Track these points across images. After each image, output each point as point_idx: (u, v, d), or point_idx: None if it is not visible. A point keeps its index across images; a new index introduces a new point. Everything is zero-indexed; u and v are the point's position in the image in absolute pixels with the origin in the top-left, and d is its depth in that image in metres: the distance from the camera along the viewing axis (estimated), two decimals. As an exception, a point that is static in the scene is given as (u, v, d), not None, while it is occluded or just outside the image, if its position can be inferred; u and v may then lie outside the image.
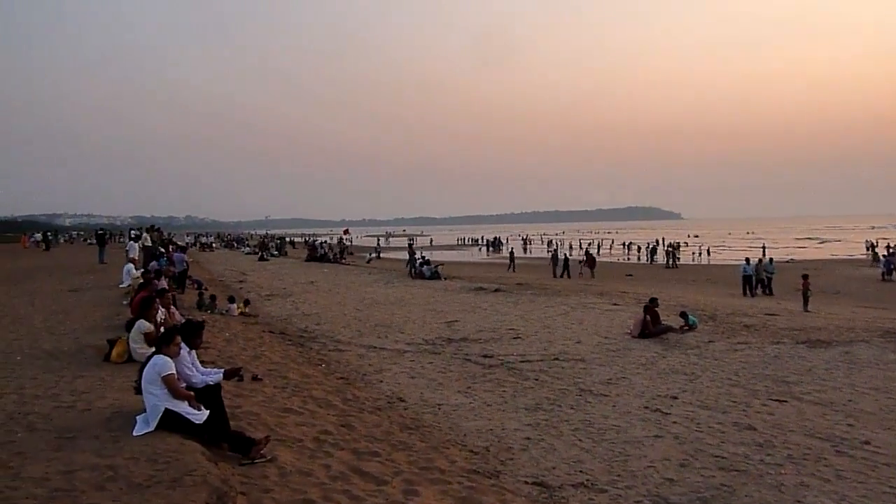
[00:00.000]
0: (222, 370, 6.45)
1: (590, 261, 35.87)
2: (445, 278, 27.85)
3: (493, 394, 9.38)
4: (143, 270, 17.52)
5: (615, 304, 18.30)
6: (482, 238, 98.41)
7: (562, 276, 34.25)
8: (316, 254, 44.83)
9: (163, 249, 25.38)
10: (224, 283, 25.40)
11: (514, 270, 37.58)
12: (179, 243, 47.64)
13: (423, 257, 32.80)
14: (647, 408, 8.58)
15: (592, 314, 16.64)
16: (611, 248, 71.86)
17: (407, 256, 33.79)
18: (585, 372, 10.61)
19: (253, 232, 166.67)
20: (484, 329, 14.75)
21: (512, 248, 53.21)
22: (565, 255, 40.32)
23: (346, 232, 78.19)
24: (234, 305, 16.37)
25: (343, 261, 42.72)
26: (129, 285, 16.85)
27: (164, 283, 13.73)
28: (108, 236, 45.68)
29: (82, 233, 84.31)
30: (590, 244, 71.43)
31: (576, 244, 77.29)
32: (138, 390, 5.97)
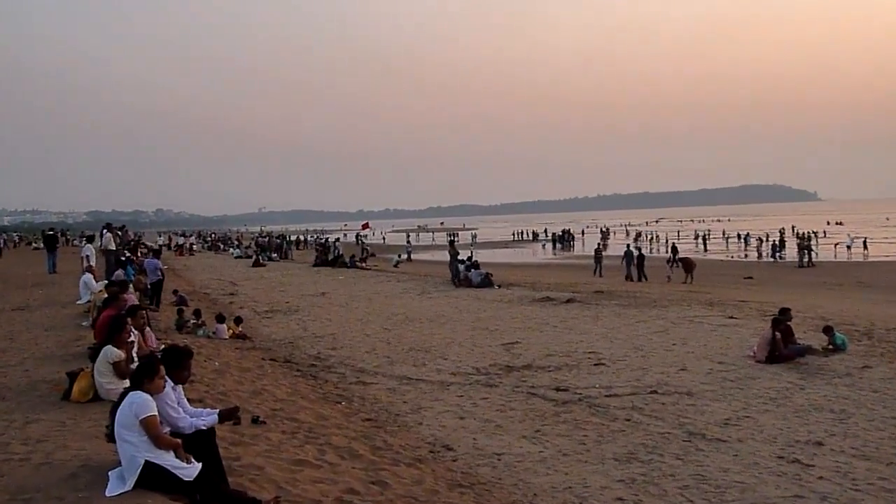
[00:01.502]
0: (216, 411, 6.56)
1: (685, 263, 35.40)
2: (500, 286, 27.85)
3: (569, 439, 9.34)
4: (106, 282, 17.94)
5: (731, 318, 18.05)
6: (546, 231, 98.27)
7: (638, 279, 34.76)
8: (327, 256, 45.47)
9: (129, 254, 26.06)
10: (209, 297, 25.91)
11: (600, 275, 37.55)
12: (150, 245, 48.83)
13: (469, 258, 32.86)
14: (780, 457, 8.44)
15: (701, 331, 16.44)
16: (726, 241, 70.88)
17: (447, 257, 33.88)
18: (694, 409, 10.48)
19: (243, 229, 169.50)
20: (554, 353, 14.71)
21: (599, 245, 51.15)
22: (639, 249, 40.08)
23: (364, 226, 78.95)
24: (224, 326, 16.67)
25: (363, 264, 43.13)
26: (89, 301, 17.30)
27: (134, 298, 14.05)
28: (59, 238, 47.10)
29: (24, 235, 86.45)
30: (704, 236, 70.20)
31: (681, 236, 76.51)
32: (110, 437, 6.09)
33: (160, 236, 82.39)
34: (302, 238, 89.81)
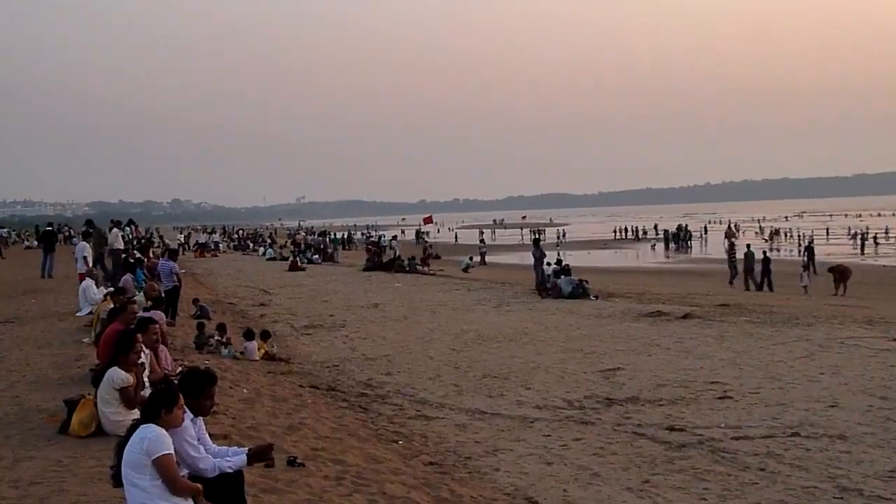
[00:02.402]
0: (245, 450, 6.64)
1: (838, 272, 34.57)
2: (597, 296, 27.67)
3: (686, 493, 9.21)
4: (110, 290, 18.35)
5: (896, 340, 17.63)
6: (656, 227, 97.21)
7: (759, 288, 34.85)
8: (381, 258, 45.77)
9: (140, 254, 26.61)
10: (236, 309, 26.36)
11: (744, 285, 37.11)
12: (168, 243, 49.79)
13: (557, 261, 32.72)
14: (963, 522, 8.18)
15: (856, 357, 16.10)
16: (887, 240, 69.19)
17: (531, 260, 33.76)
18: (848, 458, 10.23)
19: (277, 224, 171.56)
20: (667, 382, 14.55)
21: (732, 245, 45.46)
22: (764, 252, 39.41)
23: (427, 220, 79.16)
24: (254, 344, 16.89)
25: (426, 268, 43.31)
26: (91, 313, 17.71)
27: (161, 318, 14.29)
28: (58, 235, 48.37)
29: (13, 231, 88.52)
30: (862, 235, 68.46)
31: (830, 235, 74.85)
32: (117, 480, 6.17)
33: (180, 233, 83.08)
34: (350, 235, 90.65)
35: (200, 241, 68.13)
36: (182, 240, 71.52)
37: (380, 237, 66.99)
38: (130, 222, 43.37)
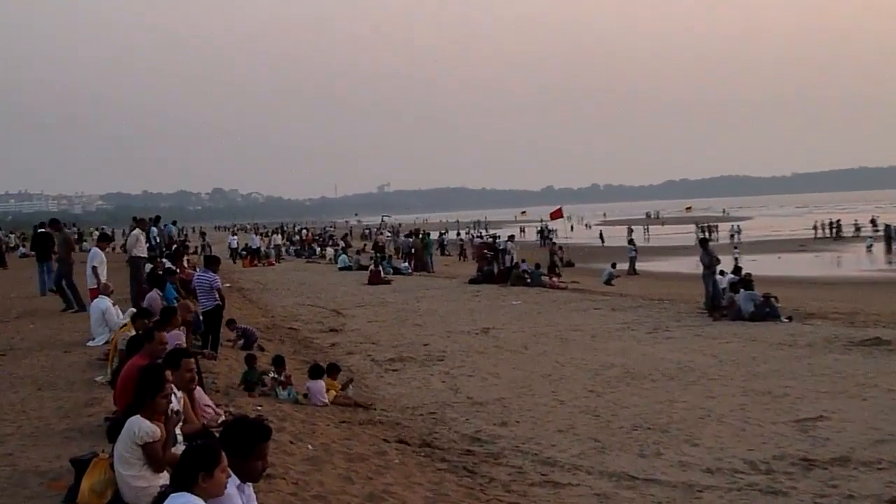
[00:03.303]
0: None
1: None
2: (790, 318, 27.19)
3: None
4: (133, 310, 18.49)
5: None
6: (873, 221, 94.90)
7: None
8: (493, 265, 45.54)
9: (170, 263, 26.84)
10: (298, 336, 26.51)
11: None
12: (208, 246, 50.18)
13: (735, 270, 32.18)
14: None
15: None
16: None
17: (698, 268, 33.25)
18: None
19: (353, 220, 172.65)
20: (890, 437, 14.22)
21: None
22: None
23: (555, 215, 78.61)
24: (322, 383, 16.91)
25: (554, 280, 43.04)
26: (108, 342, 17.85)
27: (177, 338, 14.45)
28: (61, 236, 48.86)
29: (9, 233, 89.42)
30: None
31: None
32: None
33: (233, 236, 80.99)
34: (447, 233, 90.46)
35: (253, 246, 67.01)
36: (235, 244, 70.21)
37: (495, 237, 65.98)
38: (157, 219, 43.58)
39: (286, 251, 74.26)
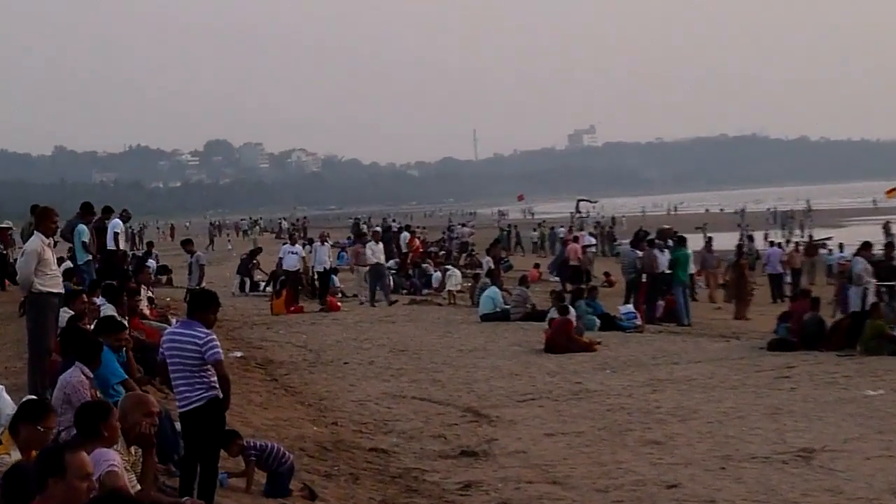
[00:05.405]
0: None
1: None
2: None
3: None
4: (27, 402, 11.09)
5: None
6: None
7: None
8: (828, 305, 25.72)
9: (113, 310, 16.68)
10: (391, 467, 14.23)
11: None
12: (192, 270, 30.56)
13: None
14: None
15: None
16: None
17: None
18: None
19: (503, 210, 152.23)
20: None
21: None
22: None
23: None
24: None
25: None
26: None
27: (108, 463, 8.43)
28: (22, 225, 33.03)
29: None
30: None
31: None
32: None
33: (290, 244, 35.86)
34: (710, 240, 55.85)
35: (318, 269, 38.02)
36: (293, 261, 38.05)
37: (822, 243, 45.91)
38: (109, 211, 27.00)
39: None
